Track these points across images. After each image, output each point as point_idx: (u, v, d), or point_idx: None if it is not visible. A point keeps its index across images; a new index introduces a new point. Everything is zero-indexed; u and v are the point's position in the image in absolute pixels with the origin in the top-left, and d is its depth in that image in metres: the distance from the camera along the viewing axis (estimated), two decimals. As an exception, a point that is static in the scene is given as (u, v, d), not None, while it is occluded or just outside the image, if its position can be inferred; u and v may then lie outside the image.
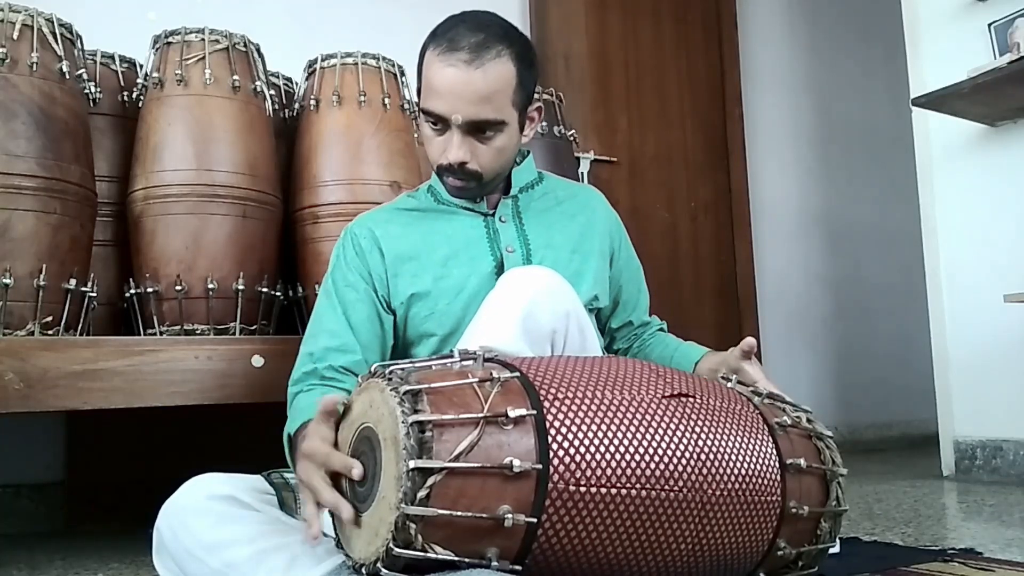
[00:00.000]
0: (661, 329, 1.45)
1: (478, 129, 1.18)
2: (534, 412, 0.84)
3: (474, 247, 1.27)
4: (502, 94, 1.17)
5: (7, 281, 1.49)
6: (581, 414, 0.86)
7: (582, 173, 2.74)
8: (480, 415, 0.81)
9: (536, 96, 1.28)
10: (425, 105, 1.19)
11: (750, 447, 0.94)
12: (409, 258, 1.27)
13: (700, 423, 0.91)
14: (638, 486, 0.85)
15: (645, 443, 0.86)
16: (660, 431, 0.88)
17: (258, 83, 1.81)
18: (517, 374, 0.88)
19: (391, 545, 0.78)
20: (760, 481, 0.93)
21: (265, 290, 1.76)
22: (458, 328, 1.21)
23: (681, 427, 0.90)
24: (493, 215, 1.30)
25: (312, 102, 1.88)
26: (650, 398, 0.91)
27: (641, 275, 1.45)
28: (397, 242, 1.28)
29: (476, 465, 0.79)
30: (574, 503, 0.82)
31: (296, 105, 1.99)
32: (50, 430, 2.13)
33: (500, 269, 1.23)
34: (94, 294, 1.64)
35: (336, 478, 0.88)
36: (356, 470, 0.84)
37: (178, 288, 1.66)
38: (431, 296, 1.25)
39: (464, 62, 1.14)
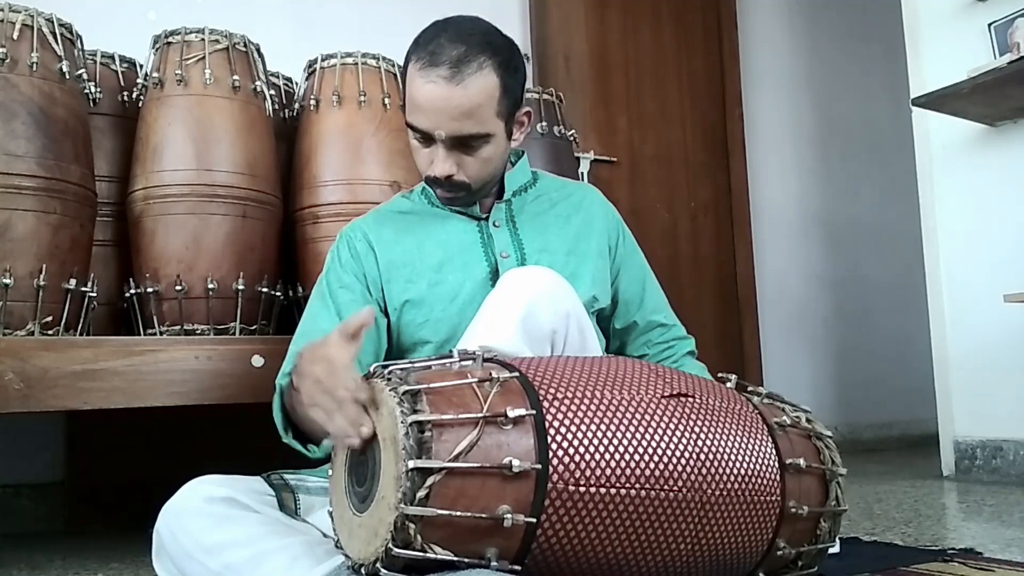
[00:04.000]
0: (691, 352, 1.38)
1: (463, 143, 1.17)
2: (533, 412, 0.84)
3: (468, 253, 1.26)
4: (485, 107, 1.16)
5: (7, 281, 1.49)
6: (580, 414, 0.86)
7: (582, 173, 2.74)
8: (479, 415, 0.81)
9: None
10: (409, 119, 1.18)
11: (749, 447, 0.94)
12: (402, 264, 1.26)
13: (699, 423, 0.91)
14: (637, 486, 0.85)
15: (644, 443, 0.86)
16: (660, 431, 0.88)
17: (258, 83, 1.81)
18: (516, 374, 0.88)
19: (390, 545, 0.78)
20: (760, 481, 0.93)
21: (265, 290, 1.75)
22: (453, 335, 1.19)
23: (680, 427, 0.90)
24: (487, 219, 1.29)
25: (312, 102, 1.88)
26: (649, 398, 0.91)
27: (646, 273, 1.40)
28: (390, 248, 1.28)
29: (475, 465, 0.79)
30: (573, 503, 0.82)
31: (296, 105, 1.99)
32: (50, 430, 2.13)
33: (495, 275, 1.22)
34: (94, 294, 1.64)
35: (337, 479, 0.89)
36: (366, 429, 0.84)
37: (178, 288, 1.66)
38: (425, 303, 1.24)
39: (444, 78, 1.12)
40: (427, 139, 1.18)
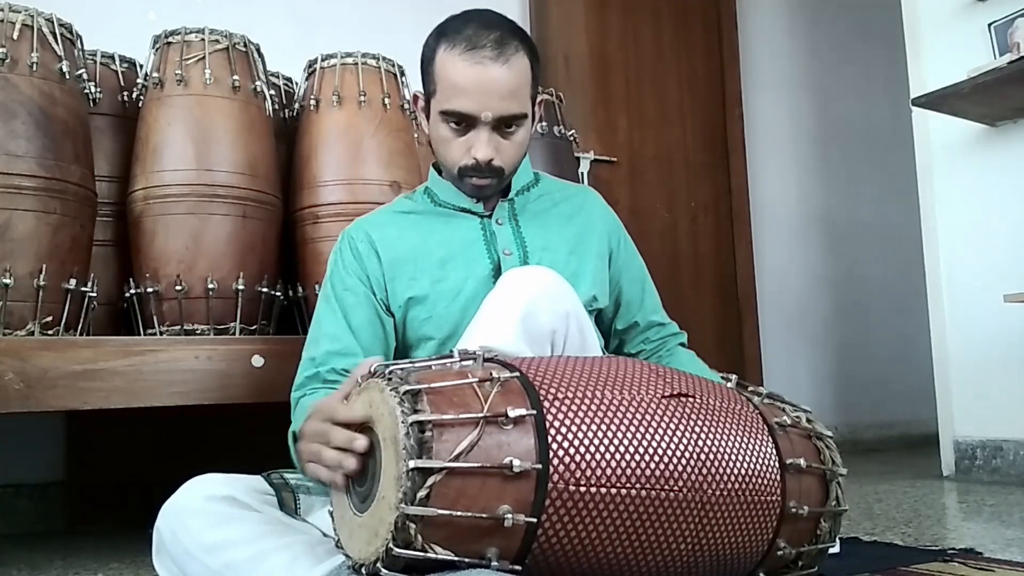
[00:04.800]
0: (682, 344, 1.41)
1: (504, 124, 1.19)
2: (534, 412, 0.84)
3: (471, 250, 1.27)
4: (524, 88, 1.20)
5: (7, 281, 1.49)
6: (581, 414, 0.86)
7: (582, 173, 2.74)
8: (480, 415, 0.81)
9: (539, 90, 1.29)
10: (449, 106, 1.19)
11: (750, 447, 0.94)
12: (406, 261, 1.27)
13: (700, 423, 0.91)
14: (638, 486, 0.85)
15: (645, 443, 0.86)
16: (660, 431, 0.88)
17: (258, 83, 1.81)
18: (517, 374, 0.88)
19: (391, 545, 0.78)
20: (760, 481, 0.93)
21: (265, 290, 1.75)
22: (456, 331, 1.20)
23: (681, 427, 0.90)
24: (490, 217, 1.30)
25: (312, 102, 1.88)
26: (650, 398, 0.91)
27: (645, 274, 1.43)
28: (394, 246, 1.28)
29: (476, 465, 0.79)
30: (574, 503, 0.82)
31: (296, 105, 1.99)
32: (50, 430, 2.13)
33: (497, 272, 1.23)
34: (94, 294, 1.64)
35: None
36: (360, 442, 0.85)
37: (178, 288, 1.66)
38: (429, 300, 1.24)
39: (490, 59, 1.15)
40: (467, 125, 1.19)
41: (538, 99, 1.29)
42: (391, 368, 0.87)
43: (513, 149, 1.23)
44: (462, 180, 1.25)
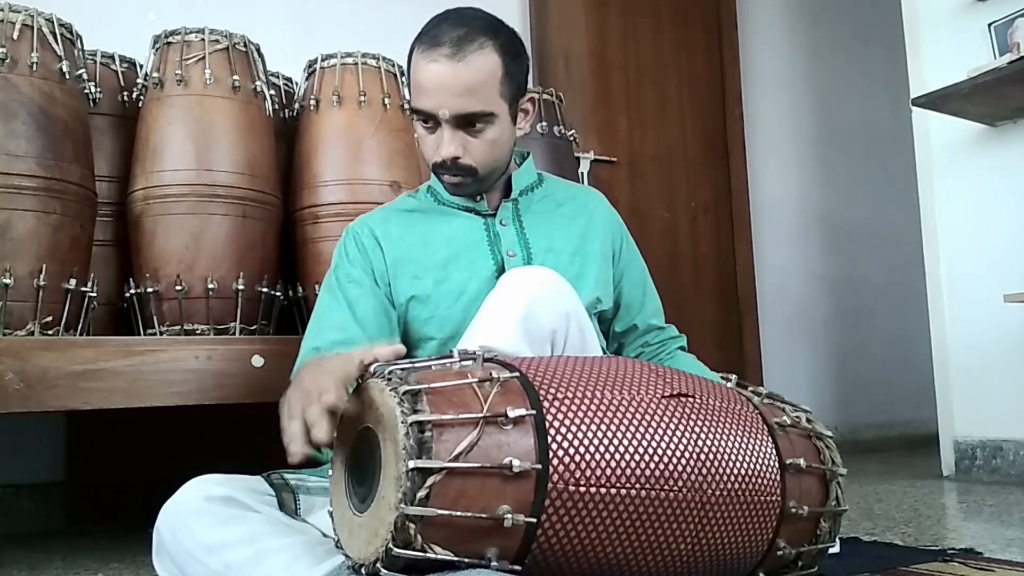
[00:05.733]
0: (681, 347, 1.41)
1: (468, 123, 1.19)
2: (533, 412, 0.84)
3: (474, 250, 1.27)
4: (487, 86, 1.18)
5: (7, 281, 1.49)
6: (581, 414, 0.86)
7: (582, 173, 2.73)
8: (480, 415, 0.81)
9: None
10: (414, 104, 1.21)
11: (750, 447, 0.94)
12: (409, 260, 1.27)
13: (700, 423, 0.91)
14: (637, 486, 0.85)
15: (645, 443, 0.86)
16: (660, 431, 0.88)
17: (258, 83, 1.81)
18: (517, 374, 0.88)
19: (390, 545, 0.78)
20: (760, 481, 0.93)
21: (265, 290, 1.75)
22: (458, 332, 1.19)
23: (681, 427, 0.90)
24: (494, 216, 1.30)
25: (312, 102, 1.88)
26: (650, 398, 0.91)
27: (646, 277, 1.43)
28: (397, 244, 1.28)
29: (476, 465, 0.79)
30: (573, 503, 0.82)
31: (296, 105, 1.99)
32: (50, 430, 2.13)
33: (501, 273, 1.22)
34: (94, 294, 1.64)
35: (338, 479, 0.89)
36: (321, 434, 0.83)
37: (178, 288, 1.66)
38: (431, 299, 1.24)
39: (446, 56, 1.15)
40: (433, 123, 1.20)
41: (525, 98, 1.28)
42: (391, 368, 0.87)
43: (484, 147, 1.21)
44: (439, 177, 1.26)
